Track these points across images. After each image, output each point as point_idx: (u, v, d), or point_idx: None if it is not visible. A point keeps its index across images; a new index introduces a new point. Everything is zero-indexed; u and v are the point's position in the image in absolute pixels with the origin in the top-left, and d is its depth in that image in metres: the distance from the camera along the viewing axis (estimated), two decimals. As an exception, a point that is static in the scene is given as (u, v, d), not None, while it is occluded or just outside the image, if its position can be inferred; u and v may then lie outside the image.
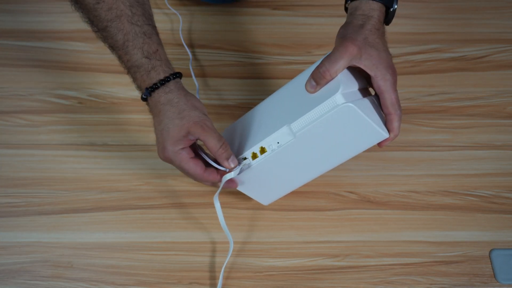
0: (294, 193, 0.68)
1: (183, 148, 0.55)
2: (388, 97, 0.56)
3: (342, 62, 0.52)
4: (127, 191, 0.69)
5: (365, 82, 0.59)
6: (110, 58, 0.81)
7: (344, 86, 0.51)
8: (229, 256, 0.61)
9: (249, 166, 0.57)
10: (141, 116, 0.75)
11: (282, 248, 0.64)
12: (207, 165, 0.57)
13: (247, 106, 0.76)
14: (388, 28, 0.86)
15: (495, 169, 0.71)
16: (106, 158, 0.71)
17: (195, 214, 0.67)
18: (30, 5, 0.88)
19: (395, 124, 0.57)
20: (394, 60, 0.82)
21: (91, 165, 0.71)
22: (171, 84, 0.55)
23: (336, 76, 0.52)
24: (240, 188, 0.61)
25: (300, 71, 0.79)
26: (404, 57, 0.82)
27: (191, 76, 0.77)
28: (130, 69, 0.56)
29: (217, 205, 0.60)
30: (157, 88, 0.54)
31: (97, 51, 0.82)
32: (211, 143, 0.54)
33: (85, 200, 0.68)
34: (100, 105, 0.77)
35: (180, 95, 0.55)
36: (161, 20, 0.84)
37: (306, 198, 0.68)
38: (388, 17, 0.57)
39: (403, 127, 0.75)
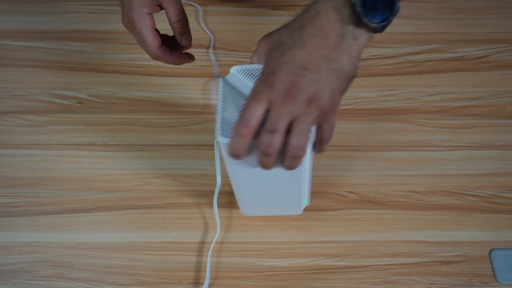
0: (294, 193, 0.68)
1: (148, 14, 0.54)
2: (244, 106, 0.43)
3: (256, 58, 0.47)
4: (127, 191, 0.69)
5: None
6: (110, 58, 0.82)
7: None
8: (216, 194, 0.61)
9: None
10: (141, 116, 0.75)
11: (282, 248, 0.64)
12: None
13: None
14: (388, 28, 0.86)
15: (495, 169, 0.71)
16: (106, 158, 0.71)
17: (195, 214, 0.67)
18: (30, 5, 0.88)
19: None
20: (394, 60, 0.82)
21: (91, 165, 0.71)
22: None
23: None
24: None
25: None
26: (404, 57, 0.82)
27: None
28: None
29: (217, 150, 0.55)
30: None
31: (97, 51, 0.82)
32: (171, 13, 0.55)
33: (85, 200, 0.68)
34: (100, 105, 0.77)
35: None
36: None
37: (306, 198, 0.68)
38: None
39: (403, 127, 0.75)
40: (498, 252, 0.64)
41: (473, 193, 0.69)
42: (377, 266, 0.63)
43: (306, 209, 0.67)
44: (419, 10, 0.88)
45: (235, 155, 0.43)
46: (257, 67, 0.47)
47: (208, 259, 0.63)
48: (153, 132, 0.74)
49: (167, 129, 0.74)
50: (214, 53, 0.82)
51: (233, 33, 0.85)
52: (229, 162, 0.48)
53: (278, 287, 0.62)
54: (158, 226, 0.66)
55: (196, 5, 0.88)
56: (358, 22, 0.41)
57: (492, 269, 0.63)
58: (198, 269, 0.63)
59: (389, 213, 0.67)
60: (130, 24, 0.55)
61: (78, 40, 0.84)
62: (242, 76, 0.48)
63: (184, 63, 0.60)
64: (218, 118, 0.46)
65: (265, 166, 0.44)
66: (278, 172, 0.48)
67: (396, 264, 0.63)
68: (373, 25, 0.42)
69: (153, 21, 0.55)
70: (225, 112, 0.46)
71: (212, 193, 0.65)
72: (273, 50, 0.43)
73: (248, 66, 0.48)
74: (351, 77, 0.43)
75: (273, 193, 0.57)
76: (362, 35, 0.42)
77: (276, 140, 0.41)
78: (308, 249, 0.64)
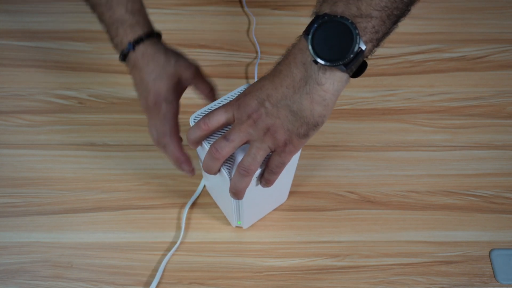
0: (294, 193, 0.68)
1: (176, 99, 0.55)
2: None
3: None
4: (127, 191, 0.69)
5: None
6: (110, 58, 0.82)
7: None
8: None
9: None
10: (141, 116, 0.75)
11: (282, 248, 0.64)
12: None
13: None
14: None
15: (495, 169, 0.71)
16: (106, 158, 0.71)
17: (195, 214, 0.67)
18: (30, 5, 0.88)
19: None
20: (394, 60, 0.82)
21: (91, 165, 0.71)
22: (156, 38, 0.55)
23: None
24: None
25: (300, 71, 0.80)
26: (404, 57, 0.82)
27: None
28: (112, 25, 0.54)
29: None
30: (142, 41, 0.53)
31: (97, 51, 0.82)
32: (202, 86, 0.56)
33: (85, 200, 0.68)
34: (100, 105, 0.77)
35: (166, 47, 0.55)
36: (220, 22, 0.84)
37: (306, 198, 0.68)
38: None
39: (403, 127, 0.75)
40: (498, 252, 0.64)
41: (473, 193, 0.69)
42: (377, 266, 0.63)
43: (306, 209, 0.67)
44: (419, 10, 0.88)
45: (190, 141, 0.48)
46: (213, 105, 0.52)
47: (210, 259, 0.63)
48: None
49: (167, 129, 0.74)
50: (216, 53, 0.82)
51: (232, 33, 0.85)
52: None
53: (278, 287, 0.62)
54: (158, 226, 0.66)
55: (251, 14, 0.87)
56: (316, 65, 0.40)
57: (492, 269, 0.63)
58: (198, 269, 0.63)
59: (389, 213, 0.67)
60: (155, 107, 0.54)
61: (78, 40, 0.84)
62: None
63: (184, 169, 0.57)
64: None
65: (208, 169, 0.48)
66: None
67: (396, 264, 0.63)
68: (332, 68, 0.40)
69: (178, 110, 0.56)
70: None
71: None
72: (258, 80, 0.46)
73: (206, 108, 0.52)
74: (313, 125, 0.42)
75: (266, 198, 0.60)
76: (328, 80, 0.40)
77: (226, 148, 0.45)
78: (308, 249, 0.64)
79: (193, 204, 0.68)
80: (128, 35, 0.53)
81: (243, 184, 0.47)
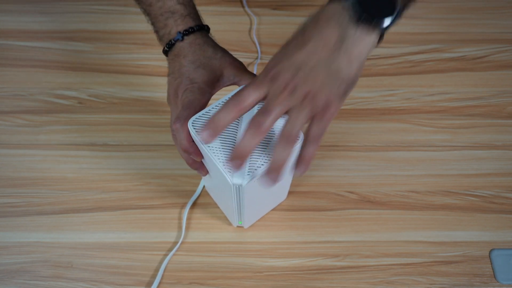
0: (294, 193, 0.68)
1: (209, 93, 0.53)
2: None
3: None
4: (127, 191, 0.69)
5: None
6: (110, 58, 0.82)
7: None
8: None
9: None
10: (141, 116, 0.75)
11: (282, 248, 0.64)
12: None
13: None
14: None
15: (495, 169, 0.71)
16: (106, 158, 0.71)
17: (196, 214, 0.67)
18: (30, 5, 0.88)
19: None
20: (394, 60, 0.82)
21: (91, 165, 0.71)
22: (206, 31, 0.54)
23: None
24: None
25: (300, 71, 0.80)
26: (404, 57, 0.82)
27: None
28: (161, 16, 0.54)
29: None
30: (193, 31, 0.53)
31: (97, 51, 0.82)
32: (246, 83, 0.53)
33: (85, 200, 0.68)
34: (100, 105, 0.77)
35: (214, 41, 0.55)
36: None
37: (306, 198, 0.68)
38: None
39: (403, 127, 0.75)
40: (498, 252, 0.64)
41: (473, 193, 0.69)
42: (377, 266, 0.63)
43: (306, 209, 0.67)
44: (419, 10, 0.88)
45: (217, 127, 0.43)
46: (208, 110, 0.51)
47: (211, 259, 0.63)
48: (153, 132, 0.74)
49: (167, 129, 0.74)
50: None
51: (232, 33, 0.85)
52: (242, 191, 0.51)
53: (278, 287, 0.62)
54: (158, 226, 0.66)
55: (252, 14, 0.87)
56: (357, 23, 0.41)
57: (492, 269, 0.63)
58: (198, 269, 0.63)
59: (389, 213, 0.67)
60: (188, 98, 0.51)
61: (78, 40, 0.84)
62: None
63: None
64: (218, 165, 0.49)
65: (246, 148, 0.43)
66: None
67: (396, 264, 0.63)
68: (372, 25, 0.41)
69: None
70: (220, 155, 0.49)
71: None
72: (279, 51, 0.44)
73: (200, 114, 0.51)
74: (351, 82, 0.43)
75: (267, 196, 0.60)
76: (363, 38, 0.42)
77: (267, 122, 0.42)
78: (308, 249, 0.64)
79: (193, 204, 0.68)
80: (178, 25, 0.53)
81: (285, 155, 0.42)
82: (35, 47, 0.83)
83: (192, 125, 0.50)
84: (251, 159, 0.49)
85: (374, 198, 0.69)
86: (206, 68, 0.53)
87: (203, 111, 0.51)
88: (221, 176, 0.49)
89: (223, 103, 0.51)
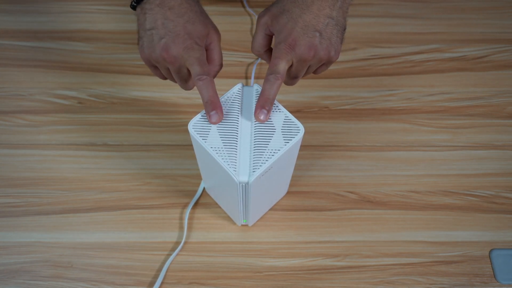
0: (294, 193, 0.68)
1: (203, 47, 0.51)
2: (270, 66, 0.50)
3: (259, 33, 0.52)
4: (127, 191, 0.69)
5: None
6: (110, 58, 0.82)
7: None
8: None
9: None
10: (141, 116, 0.75)
11: (282, 248, 0.64)
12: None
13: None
14: (388, 28, 0.86)
15: (495, 169, 0.71)
16: (106, 158, 0.71)
17: (195, 214, 0.67)
18: (30, 5, 0.88)
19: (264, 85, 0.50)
20: (394, 60, 0.82)
21: (91, 165, 0.71)
22: None
23: (260, 51, 0.53)
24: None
25: (300, 71, 0.80)
26: (404, 57, 0.82)
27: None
28: None
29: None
30: None
31: (97, 51, 0.82)
32: (217, 56, 0.53)
33: (85, 200, 0.68)
34: (100, 105, 0.77)
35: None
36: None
37: (306, 198, 0.68)
38: None
39: (403, 127, 0.75)
40: (498, 252, 0.64)
41: (473, 193, 0.69)
42: (377, 266, 0.63)
43: (306, 209, 0.67)
44: (419, 10, 0.88)
45: (268, 99, 0.49)
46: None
47: (212, 259, 0.63)
48: (153, 132, 0.74)
49: (167, 129, 0.74)
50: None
51: (232, 33, 0.85)
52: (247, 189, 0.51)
53: (278, 287, 0.62)
54: (158, 226, 0.66)
55: (253, 13, 0.87)
56: None
57: (492, 269, 0.63)
58: (198, 269, 0.63)
59: (389, 213, 0.67)
60: (183, 52, 0.49)
61: (78, 40, 0.84)
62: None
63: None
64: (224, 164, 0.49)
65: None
66: (278, 172, 0.53)
67: (396, 264, 0.63)
68: None
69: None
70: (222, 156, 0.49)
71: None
72: (280, 17, 0.49)
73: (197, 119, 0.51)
74: (345, 29, 0.51)
75: (270, 191, 0.60)
76: None
77: (296, 81, 0.53)
78: (308, 249, 0.64)
79: (194, 205, 0.68)
80: None
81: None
82: (35, 47, 0.83)
83: (193, 128, 0.50)
84: (254, 156, 0.49)
85: (374, 198, 0.69)
86: (195, 23, 0.50)
87: (200, 114, 0.51)
88: (225, 175, 0.50)
89: (221, 103, 0.51)
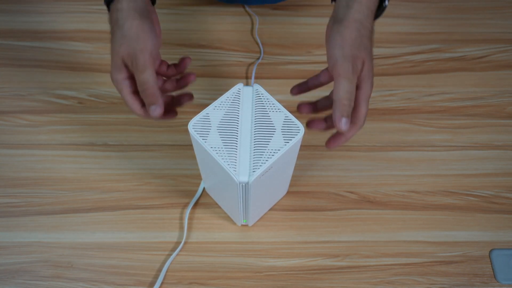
0: (294, 193, 0.68)
1: (125, 78, 0.52)
2: (361, 110, 0.50)
3: (351, 90, 0.48)
4: (127, 191, 0.69)
5: None
6: (110, 58, 0.81)
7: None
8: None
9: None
10: (141, 116, 0.75)
11: (282, 248, 0.64)
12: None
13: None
14: (388, 28, 0.86)
15: (495, 169, 0.71)
16: (106, 158, 0.71)
17: (195, 214, 0.67)
18: (30, 5, 0.88)
19: (352, 133, 0.52)
20: (394, 60, 0.82)
21: (91, 165, 0.71)
22: None
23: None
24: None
25: (300, 70, 0.80)
26: (404, 57, 0.82)
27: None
28: None
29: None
30: None
31: (97, 51, 0.82)
32: (137, 80, 0.51)
33: (85, 200, 0.68)
34: (100, 105, 0.77)
35: (136, 13, 0.50)
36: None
37: (306, 198, 0.68)
38: (378, 12, 0.52)
39: (403, 127, 0.75)
40: (498, 252, 0.64)
41: (473, 193, 0.69)
42: (377, 266, 0.63)
43: (306, 209, 0.67)
44: (419, 10, 0.88)
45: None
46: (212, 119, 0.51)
47: (212, 259, 0.63)
48: (153, 132, 0.74)
49: (167, 129, 0.74)
50: (216, 53, 0.82)
51: (232, 33, 0.85)
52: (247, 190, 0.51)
53: (278, 287, 0.62)
54: (158, 226, 0.66)
55: (254, 14, 0.87)
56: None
57: (492, 269, 0.63)
58: (198, 269, 0.63)
59: (389, 213, 0.67)
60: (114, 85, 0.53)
61: (78, 40, 0.84)
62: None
63: (171, 117, 0.56)
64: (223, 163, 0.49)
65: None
66: (278, 171, 0.53)
67: (396, 264, 0.63)
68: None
69: (131, 85, 0.52)
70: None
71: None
72: (351, 41, 0.48)
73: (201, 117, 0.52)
74: None
75: (271, 191, 0.60)
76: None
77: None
78: (308, 249, 0.64)
79: (194, 205, 0.68)
80: None
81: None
82: (35, 47, 0.83)
83: (193, 128, 0.50)
84: (255, 156, 0.49)
85: (374, 198, 0.69)
86: (115, 53, 0.52)
87: (201, 114, 0.51)
88: (225, 175, 0.50)
89: (221, 104, 0.51)
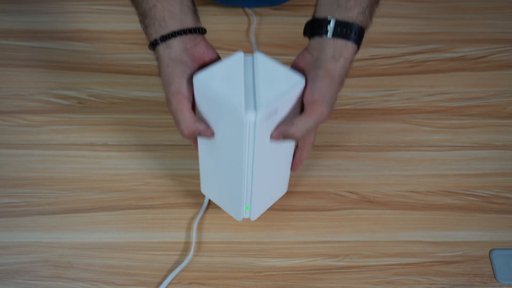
0: (294, 193, 0.68)
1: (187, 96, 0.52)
2: (309, 139, 0.57)
3: (314, 127, 0.51)
4: (127, 191, 0.69)
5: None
6: (110, 58, 0.82)
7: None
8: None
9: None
10: (141, 116, 0.75)
11: (282, 248, 0.64)
12: None
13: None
14: (388, 28, 0.86)
15: (495, 169, 0.71)
16: (106, 158, 0.71)
17: (195, 214, 0.67)
18: (30, 5, 0.88)
19: (303, 157, 0.59)
20: (394, 60, 0.82)
21: (91, 165, 0.71)
22: (173, 41, 0.52)
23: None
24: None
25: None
26: (404, 57, 0.82)
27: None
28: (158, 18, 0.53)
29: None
30: (158, 44, 0.52)
31: (97, 51, 0.82)
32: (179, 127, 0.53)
33: (85, 200, 0.68)
34: (100, 105, 0.77)
35: (170, 61, 0.52)
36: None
37: (306, 198, 0.68)
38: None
39: (403, 127, 0.75)
40: (498, 252, 0.64)
41: (473, 193, 0.69)
42: (377, 266, 0.63)
43: (306, 209, 0.67)
44: (419, 10, 0.88)
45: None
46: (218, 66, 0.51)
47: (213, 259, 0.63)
48: (153, 132, 0.74)
49: (167, 129, 0.74)
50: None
51: (232, 33, 0.85)
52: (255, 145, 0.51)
53: (278, 287, 0.62)
54: (158, 226, 0.66)
55: (252, 13, 0.87)
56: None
57: (492, 269, 0.63)
58: (198, 269, 0.63)
59: (389, 213, 0.67)
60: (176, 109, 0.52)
61: (78, 40, 0.84)
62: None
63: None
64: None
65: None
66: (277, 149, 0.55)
67: (396, 264, 0.63)
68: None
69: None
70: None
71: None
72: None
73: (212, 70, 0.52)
74: None
75: (272, 177, 0.60)
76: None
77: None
78: (308, 249, 0.64)
79: (193, 205, 0.68)
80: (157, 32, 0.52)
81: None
82: (35, 47, 0.83)
83: (197, 79, 0.50)
84: (259, 98, 0.48)
85: (374, 198, 0.69)
86: (172, 76, 0.53)
87: (208, 69, 0.51)
88: (229, 122, 0.49)
89: (223, 62, 0.51)
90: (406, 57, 0.82)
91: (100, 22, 0.86)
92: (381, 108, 0.77)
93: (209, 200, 0.68)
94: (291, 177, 0.64)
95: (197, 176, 0.69)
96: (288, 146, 0.57)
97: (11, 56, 0.82)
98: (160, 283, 0.61)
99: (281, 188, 0.66)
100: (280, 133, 0.51)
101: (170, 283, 0.62)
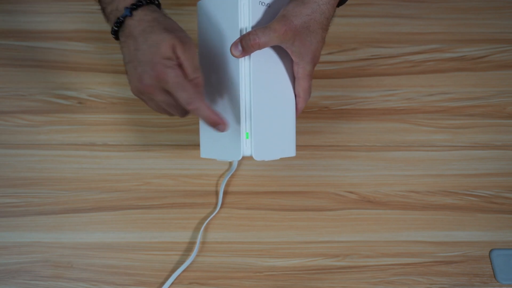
0: (294, 193, 0.68)
1: (176, 65, 0.48)
2: (302, 84, 0.56)
3: (273, 41, 0.49)
4: (127, 191, 0.69)
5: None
6: (110, 58, 0.82)
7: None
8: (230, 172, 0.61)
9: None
10: (141, 116, 0.75)
11: (282, 248, 0.64)
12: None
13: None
14: (388, 28, 0.86)
15: (495, 169, 0.71)
16: (106, 158, 0.71)
17: (195, 214, 0.67)
18: (29, 5, 0.88)
19: (300, 105, 0.58)
20: (394, 60, 0.82)
21: (91, 165, 0.71)
22: (155, 6, 0.50)
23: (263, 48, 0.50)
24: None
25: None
26: (404, 57, 0.82)
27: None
28: None
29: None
30: (142, 5, 0.48)
31: (97, 51, 0.82)
32: (188, 68, 0.49)
33: (85, 200, 0.68)
34: (100, 105, 0.77)
35: (165, 16, 0.50)
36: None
37: (306, 198, 0.68)
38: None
39: (403, 127, 0.75)
40: (498, 252, 0.64)
41: (473, 193, 0.69)
42: (377, 266, 0.63)
43: (306, 209, 0.67)
44: (419, 10, 0.88)
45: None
46: None
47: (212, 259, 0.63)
48: (153, 132, 0.74)
49: (167, 129, 0.74)
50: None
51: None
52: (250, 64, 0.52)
53: (278, 287, 0.62)
54: (158, 226, 0.66)
55: None
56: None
57: (492, 269, 0.63)
58: (198, 268, 0.63)
59: (389, 213, 0.67)
60: (157, 80, 0.48)
61: (78, 40, 0.84)
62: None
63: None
64: None
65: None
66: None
67: (396, 264, 0.63)
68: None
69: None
70: None
71: (212, 192, 0.65)
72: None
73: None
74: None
75: (275, 101, 0.56)
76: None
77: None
78: (308, 249, 0.64)
79: (194, 205, 0.68)
80: (125, 0, 0.49)
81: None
82: (35, 47, 0.83)
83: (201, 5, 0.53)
84: None
85: (374, 198, 0.69)
86: (159, 44, 0.48)
87: None
88: (232, 71, 0.50)
89: None
90: (406, 57, 0.82)
91: (100, 22, 0.86)
92: (381, 108, 0.77)
93: (218, 204, 0.68)
94: (291, 177, 0.64)
95: (197, 176, 0.69)
96: (286, 78, 0.56)
97: (11, 56, 0.82)
98: (163, 283, 0.61)
99: (287, 143, 0.58)
100: (237, 43, 0.49)
101: (170, 282, 0.62)
